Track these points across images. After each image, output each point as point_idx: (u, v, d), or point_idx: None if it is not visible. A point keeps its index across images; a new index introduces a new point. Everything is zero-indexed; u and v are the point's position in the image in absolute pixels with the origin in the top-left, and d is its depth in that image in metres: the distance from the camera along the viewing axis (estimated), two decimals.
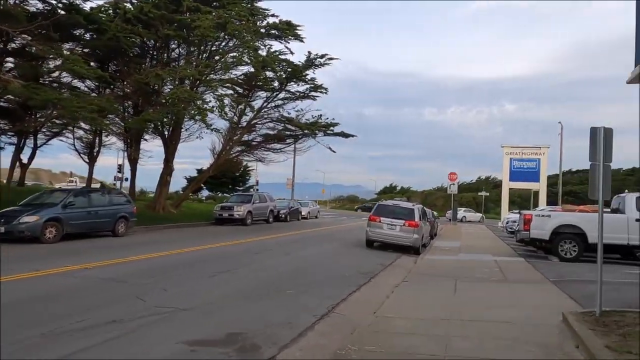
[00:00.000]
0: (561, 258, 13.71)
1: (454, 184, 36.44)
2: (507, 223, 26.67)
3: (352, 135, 29.34)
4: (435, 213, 28.88)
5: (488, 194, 56.73)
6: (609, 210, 14.04)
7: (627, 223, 13.30)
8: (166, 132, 25.77)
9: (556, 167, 43.35)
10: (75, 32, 20.46)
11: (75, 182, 51.15)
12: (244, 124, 29.48)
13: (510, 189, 39.14)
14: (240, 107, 28.53)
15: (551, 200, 41.59)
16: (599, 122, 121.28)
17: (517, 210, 24.44)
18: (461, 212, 54.84)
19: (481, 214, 53.49)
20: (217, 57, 23.41)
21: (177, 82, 20.32)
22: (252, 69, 25.27)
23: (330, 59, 28.80)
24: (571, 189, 67.93)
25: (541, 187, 37.13)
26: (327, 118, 28.45)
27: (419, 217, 16.25)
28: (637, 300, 7.05)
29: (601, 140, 6.25)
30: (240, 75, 27.69)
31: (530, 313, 7.00)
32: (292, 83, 29.33)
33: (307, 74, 28.87)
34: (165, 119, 21.14)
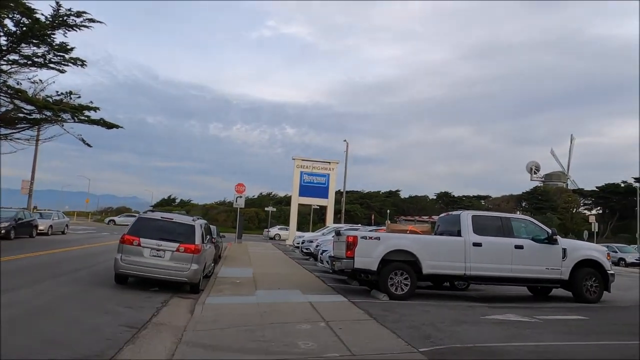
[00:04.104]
0: (391, 295, 10.20)
1: (240, 197, 32.08)
2: (302, 243, 23.35)
3: (116, 126, 22.24)
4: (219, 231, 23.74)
5: (275, 209, 54.58)
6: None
7: (465, 248, 10.62)
8: None
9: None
10: None
11: None
12: None
13: (299, 204, 36.95)
14: None
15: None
16: (362, 151, 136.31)
17: (322, 228, 21.33)
18: (274, 230, 50.58)
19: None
20: None
21: None
22: None
23: (91, 20, 21.37)
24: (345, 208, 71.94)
25: (329, 203, 35.88)
26: (79, 96, 20.81)
27: (200, 237, 10.94)
28: None
29: None
30: None
31: None
32: (31, 45, 20.86)
33: (54, 35, 20.84)
34: None
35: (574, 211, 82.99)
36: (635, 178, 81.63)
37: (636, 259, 33.36)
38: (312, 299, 10.04)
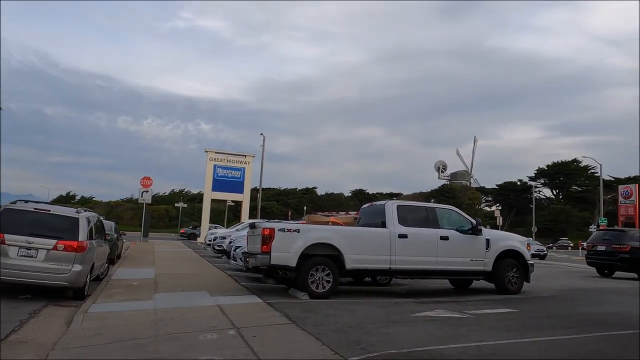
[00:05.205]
0: (312, 293, 9.16)
1: (147, 191, 29.51)
2: (214, 239, 21.65)
3: None
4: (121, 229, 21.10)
5: (186, 205, 51.54)
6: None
7: (390, 240, 9.86)
8: None
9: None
10: None
11: None
12: None
13: (213, 199, 34.88)
14: None
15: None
16: (278, 148, 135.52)
17: (237, 223, 19.79)
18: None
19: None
20: None
21: None
22: None
23: None
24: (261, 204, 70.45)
25: (245, 198, 34.25)
26: None
27: (86, 233, 9.12)
28: None
29: None
30: None
31: None
32: None
33: None
34: None
35: (477, 207, 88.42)
36: (529, 177, 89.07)
37: (535, 251, 35.66)
38: (222, 301, 8.72)
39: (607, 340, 5.92)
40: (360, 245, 9.71)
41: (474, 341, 5.61)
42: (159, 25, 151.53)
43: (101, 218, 18.80)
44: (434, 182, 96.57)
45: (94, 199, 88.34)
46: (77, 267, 8.68)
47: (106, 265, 12.49)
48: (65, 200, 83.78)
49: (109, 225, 16.49)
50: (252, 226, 10.43)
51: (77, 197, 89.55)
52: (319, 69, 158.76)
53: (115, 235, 16.12)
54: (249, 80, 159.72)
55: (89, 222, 9.64)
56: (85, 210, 10.09)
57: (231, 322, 6.91)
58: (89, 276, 9.42)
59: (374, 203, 11.53)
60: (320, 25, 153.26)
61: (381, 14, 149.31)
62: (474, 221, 10.64)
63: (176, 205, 49.29)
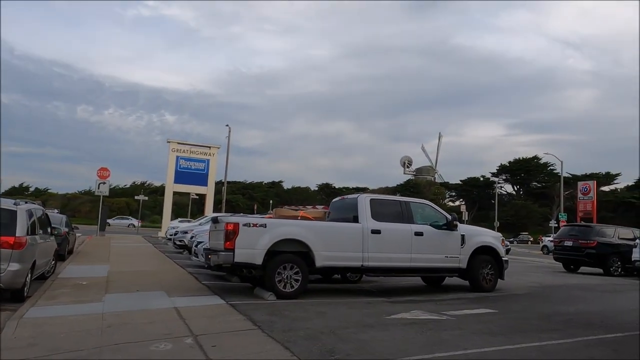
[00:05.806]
0: (279, 293, 8.50)
1: (104, 183, 28.00)
2: (175, 234, 20.59)
3: None
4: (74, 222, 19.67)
5: (147, 198, 49.57)
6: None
7: (363, 236, 9.30)
8: None
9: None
10: None
11: None
12: None
13: (175, 192, 33.54)
14: None
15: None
16: (245, 142, 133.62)
17: (199, 218, 18.82)
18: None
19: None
20: None
21: None
22: None
23: None
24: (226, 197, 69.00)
25: (208, 191, 33.10)
26: None
27: (26, 227, 8.13)
28: None
29: None
30: None
31: None
32: None
33: None
34: None
35: (441, 202, 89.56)
36: (492, 173, 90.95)
37: None
38: (180, 303, 7.93)
39: (598, 345, 5.55)
40: (331, 242, 9.10)
41: (460, 349, 5.10)
42: (121, 13, 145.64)
43: (55, 211, 17.60)
44: (399, 177, 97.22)
45: (49, 190, 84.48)
46: (15, 266, 7.69)
47: (53, 262, 11.42)
48: (18, 192, 79.69)
49: (59, 218, 15.35)
50: (215, 221, 9.66)
51: (32, 189, 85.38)
52: (289, 62, 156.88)
53: (66, 230, 14.95)
54: (217, 72, 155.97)
55: (30, 215, 8.64)
56: (26, 202, 9.06)
57: (189, 328, 6.17)
58: (29, 275, 8.43)
59: (346, 197, 10.94)
60: (289, 18, 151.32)
61: (350, 10, 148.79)
62: (449, 216, 10.21)
63: (136, 197, 47.22)
